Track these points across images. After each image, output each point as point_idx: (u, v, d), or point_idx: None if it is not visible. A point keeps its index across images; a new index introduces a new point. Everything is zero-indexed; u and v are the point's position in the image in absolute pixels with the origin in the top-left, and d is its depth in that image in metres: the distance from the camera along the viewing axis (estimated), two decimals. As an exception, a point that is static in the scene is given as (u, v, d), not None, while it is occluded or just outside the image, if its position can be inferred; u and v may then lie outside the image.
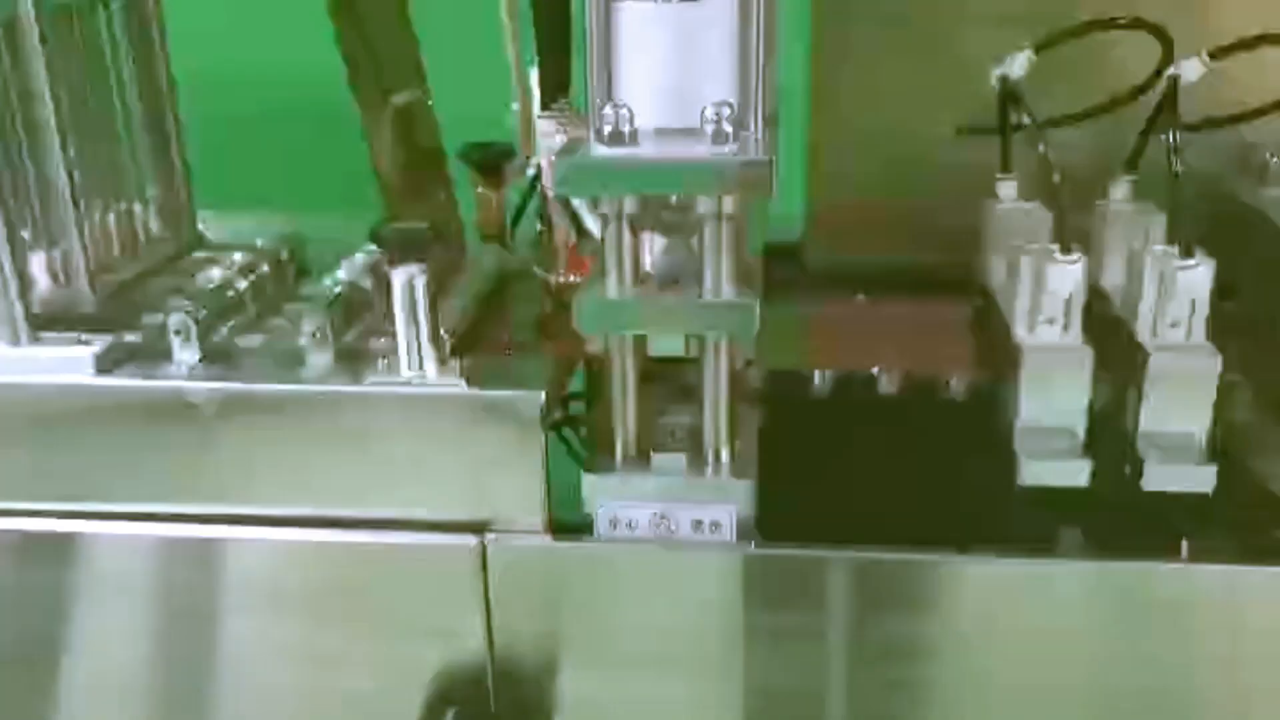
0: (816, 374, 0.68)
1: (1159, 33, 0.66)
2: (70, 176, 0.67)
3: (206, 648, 0.69)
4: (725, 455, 0.63)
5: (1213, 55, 0.62)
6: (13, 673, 0.70)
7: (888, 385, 0.69)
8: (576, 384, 0.73)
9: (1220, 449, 0.61)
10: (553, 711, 0.67)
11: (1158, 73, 0.66)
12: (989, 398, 0.66)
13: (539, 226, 0.86)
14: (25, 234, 0.68)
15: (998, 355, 0.65)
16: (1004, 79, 0.67)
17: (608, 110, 0.59)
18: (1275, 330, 0.67)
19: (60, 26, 0.68)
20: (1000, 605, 0.62)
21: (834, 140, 0.79)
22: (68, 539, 0.67)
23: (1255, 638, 0.61)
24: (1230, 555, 0.61)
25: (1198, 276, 0.59)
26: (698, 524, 0.63)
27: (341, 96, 0.71)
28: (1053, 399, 0.62)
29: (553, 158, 0.64)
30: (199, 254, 0.80)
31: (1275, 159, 0.73)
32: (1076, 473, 0.61)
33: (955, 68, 0.75)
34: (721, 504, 0.63)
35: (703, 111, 0.58)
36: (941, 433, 0.66)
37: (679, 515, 0.63)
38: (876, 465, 0.67)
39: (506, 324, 0.74)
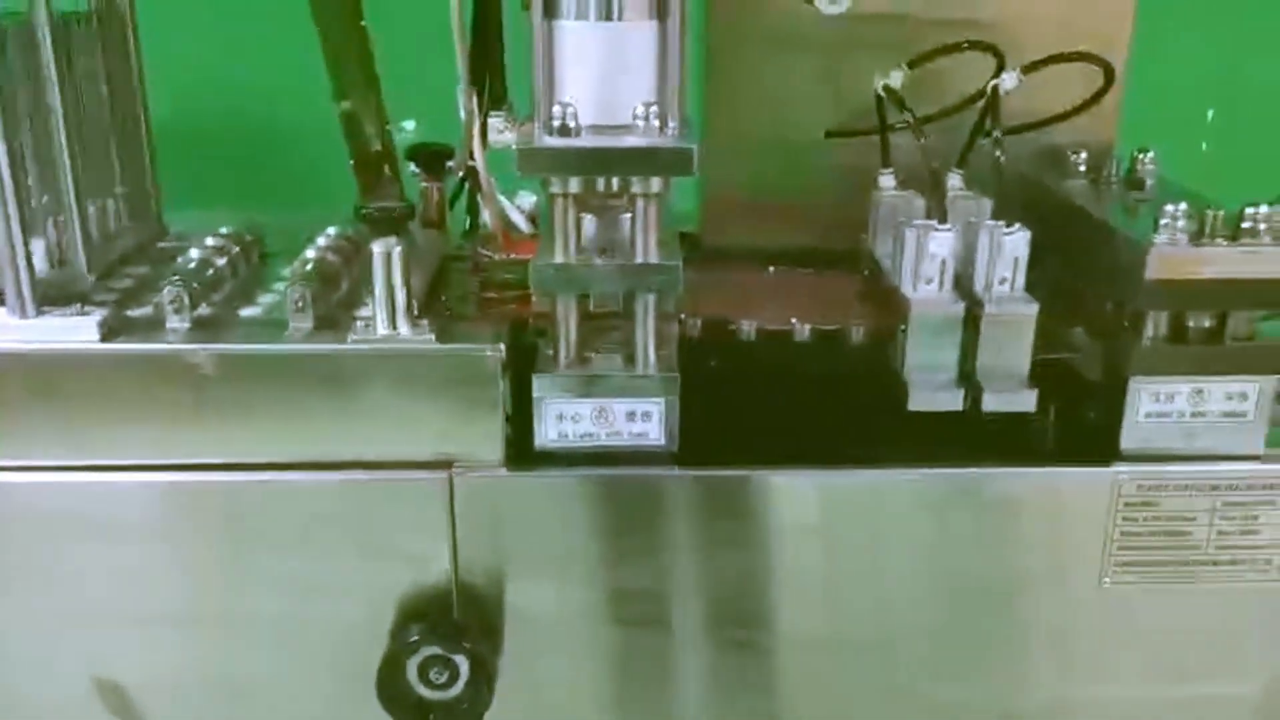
0: (743, 325, 0.81)
1: (993, 50, 0.82)
2: (74, 168, 0.76)
3: (204, 580, 0.78)
4: (653, 358, 0.76)
5: (1025, 70, 0.79)
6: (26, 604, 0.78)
7: (800, 336, 0.83)
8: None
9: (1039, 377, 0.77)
10: (508, 620, 0.79)
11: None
12: (882, 345, 0.81)
13: (467, 219, 0.98)
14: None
15: (889, 310, 0.80)
16: (886, 88, 0.82)
17: (556, 108, 0.72)
18: (1074, 289, 0.84)
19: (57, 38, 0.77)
20: (863, 510, 0.77)
21: (726, 144, 0.93)
22: (76, 488, 0.75)
23: (1068, 527, 0.78)
24: (1046, 460, 0.78)
25: (1018, 240, 0.76)
26: (631, 414, 0.76)
27: (282, 109, 0.82)
28: (934, 342, 0.77)
29: (513, 149, 0.76)
30: (166, 243, 0.90)
31: (1075, 156, 0.90)
32: (954, 400, 0.76)
33: (828, 82, 0.91)
34: (652, 397, 0.76)
35: (634, 110, 0.72)
36: (843, 372, 0.80)
37: (615, 408, 0.76)
38: (791, 397, 0.81)
39: (451, 295, 0.85)
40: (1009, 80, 0.79)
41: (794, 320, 0.81)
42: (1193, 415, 0.77)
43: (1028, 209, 0.90)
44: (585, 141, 0.71)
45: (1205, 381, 0.76)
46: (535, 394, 0.76)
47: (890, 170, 0.87)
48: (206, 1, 1.18)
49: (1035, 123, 0.87)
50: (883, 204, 0.86)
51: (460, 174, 0.93)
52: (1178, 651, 0.81)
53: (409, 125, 0.99)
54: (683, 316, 0.81)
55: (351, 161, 0.80)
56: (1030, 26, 0.88)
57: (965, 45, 0.81)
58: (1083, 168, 0.91)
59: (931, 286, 0.77)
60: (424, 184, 0.91)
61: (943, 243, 0.76)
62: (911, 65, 0.81)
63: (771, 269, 0.92)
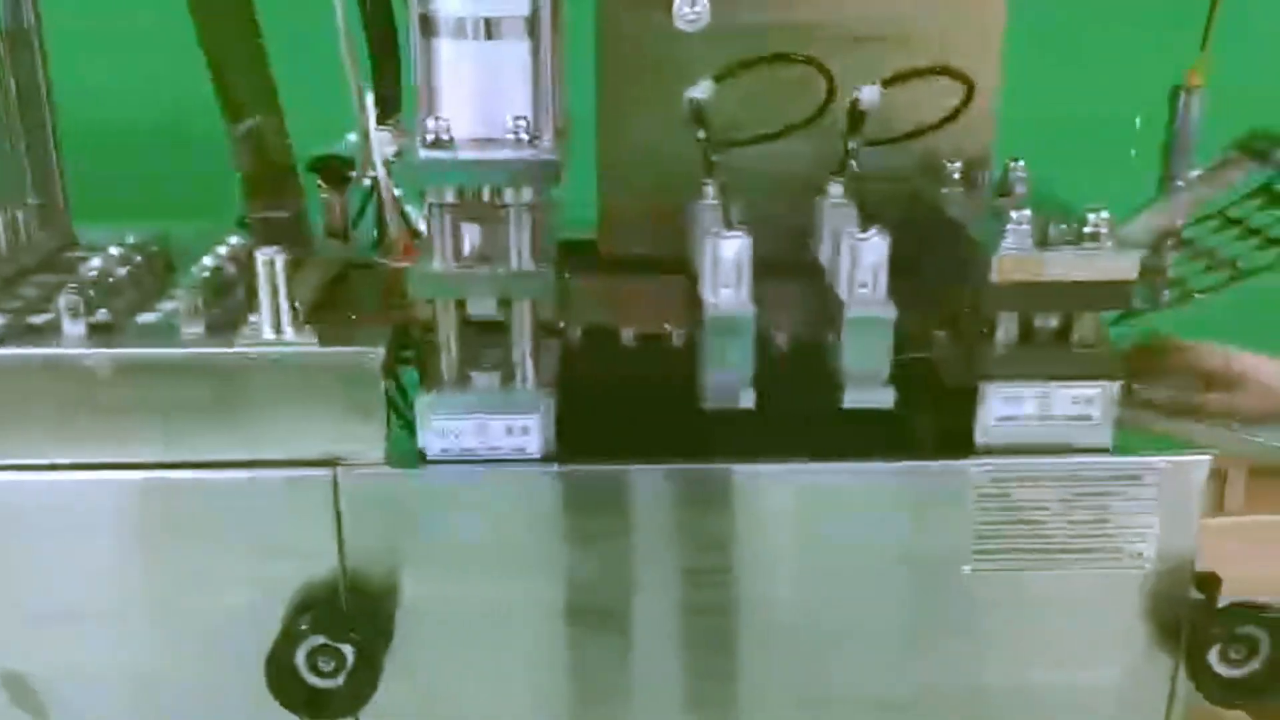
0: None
1: (823, 69, 0.86)
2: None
3: (100, 576, 0.81)
4: (531, 374, 0.80)
5: (885, 83, 0.83)
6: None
7: (676, 341, 0.86)
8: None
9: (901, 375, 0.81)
10: (394, 610, 0.82)
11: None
12: (821, 344, 0.84)
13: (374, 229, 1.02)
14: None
15: (827, 311, 0.84)
16: (692, 101, 0.85)
17: (429, 122, 0.76)
18: (946, 292, 0.88)
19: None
20: (731, 504, 0.81)
21: (621, 155, 0.97)
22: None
23: (929, 518, 0.82)
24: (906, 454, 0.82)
25: (874, 246, 0.79)
26: (509, 429, 0.80)
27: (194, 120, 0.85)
28: (730, 343, 0.80)
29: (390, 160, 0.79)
30: (75, 253, 0.93)
31: (949, 163, 0.95)
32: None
33: (721, 92, 0.94)
34: (528, 414, 0.80)
35: (503, 124, 0.76)
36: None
37: (493, 424, 0.80)
38: (664, 399, 0.84)
39: (349, 301, 0.88)
40: (869, 94, 0.82)
41: (667, 326, 0.85)
42: (1041, 419, 0.81)
43: (909, 217, 0.94)
44: (453, 154, 0.75)
45: (1052, 387, 0.81)
46: (418, 410, 0.79)
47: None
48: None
49: (899, 136, 0.90)
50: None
51: (368, 181, 0.97)
52: (1041, 638, 0.85)
53: (351, 137, 1.02)
54: (562, 324, 0.85)
55: (242, 174, 0.83)
56: (912, 42, 0.93)
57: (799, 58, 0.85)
58: (957, 176, 0.95)
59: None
60: (325, 195, 0.95)
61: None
62: (718, 79, 0.84)
63: (660, 277, 0.96)
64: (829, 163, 0.89)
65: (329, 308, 0.86)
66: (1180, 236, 0.95)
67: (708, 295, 0.79)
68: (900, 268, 0.93)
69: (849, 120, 0.82)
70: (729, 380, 0.79)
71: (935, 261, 0.93)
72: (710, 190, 0.87)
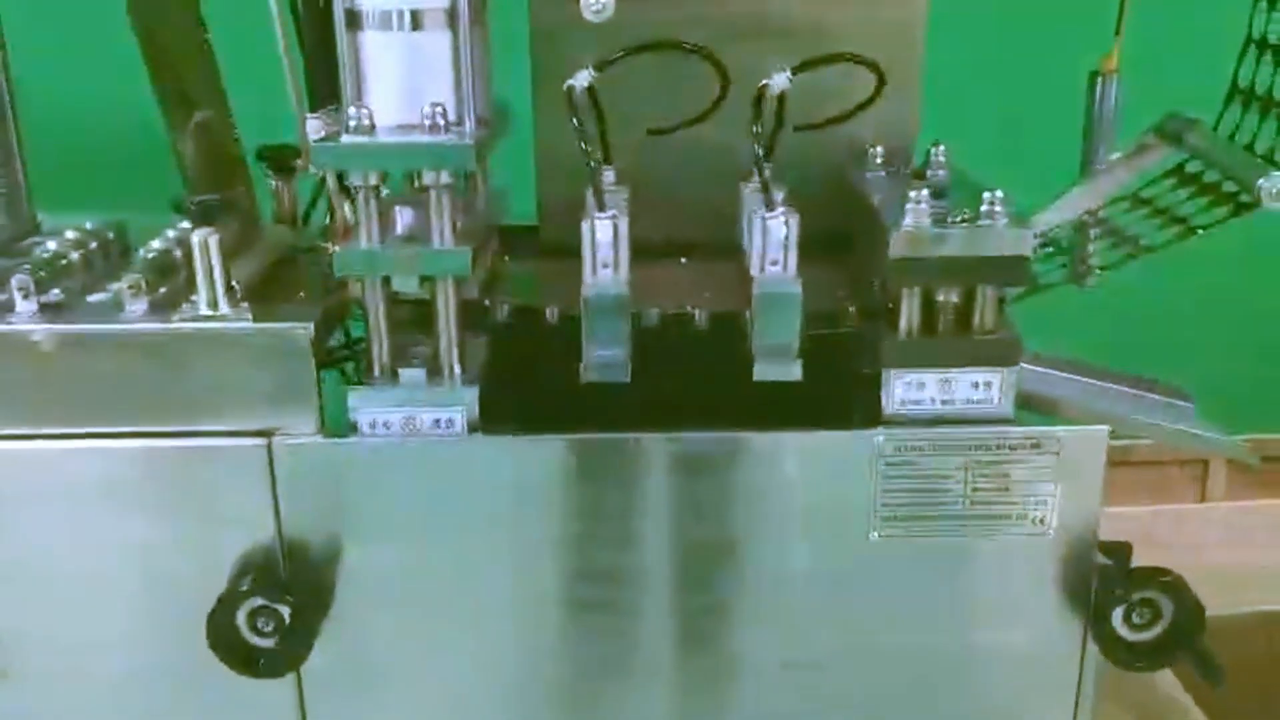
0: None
1: (717, 64, 0.89)
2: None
3: (47, 542, 0.86)
4: (457, 369, 0.84)
5: (795, 71, 0.86)
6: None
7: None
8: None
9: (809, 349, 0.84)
10: (333, 577, 0.86)
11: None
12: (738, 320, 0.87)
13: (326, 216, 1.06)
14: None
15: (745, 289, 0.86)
16: (569, 90, 0.86)
17: (352, 110, 0.80)
18: (865, 274, 0.91)
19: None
20: (648, 471, 0.85)
21: (556, 144, 1.01)
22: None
23: (837, 486, 0.85)
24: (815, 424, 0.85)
25: (780, 224, 0.83)
26: (436, 422, 0.84)
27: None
28: (607, 321, 0.83)
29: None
30: (36, 239, 0.98)
31: (872, 149, 0.98)
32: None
33: (654, 80, 0.96)
34: (453, 406, 0.84)
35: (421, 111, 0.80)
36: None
37: (422, 416, 0.84)
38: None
39: (294, 283, 0.93)
40: (779, 80, 0.86)
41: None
42: (943, 402, 0.85)
43: (836, 201, 0.98)
44: (372, 139, 0.79)
45: (953, 373, 0.84)
46: (349, 405, 0.84)
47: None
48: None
49: (818, 123, 0.94)
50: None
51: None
52: (947, 602, 0.88)
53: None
54: (487, 302, 0.89)
55: (182, 164, 0.88)
56: (835, 34, 0.96)
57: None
58: (880, 161, 0.98)
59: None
60: (272, 182, 1.00)
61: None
62: (599, 68, 0.87)
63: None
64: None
65: (274, 288, 0.91)
66: (1097, 217, 0.97)
67: (587, 276, 0.83)
68: (832, 249, 0.97)
69: (754, 107, 0.86)
70: (608, 356, 0.83)
71: (856, 243, 0.96)
72: (609, 175, 0.91)
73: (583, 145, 0.83)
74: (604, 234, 0.81)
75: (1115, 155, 0.98)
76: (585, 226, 0.82)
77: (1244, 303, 1.85)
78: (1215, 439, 0.92)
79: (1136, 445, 2.14)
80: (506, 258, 1.02)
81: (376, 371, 0.84)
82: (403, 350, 0.86)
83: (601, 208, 0.82)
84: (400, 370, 0.84)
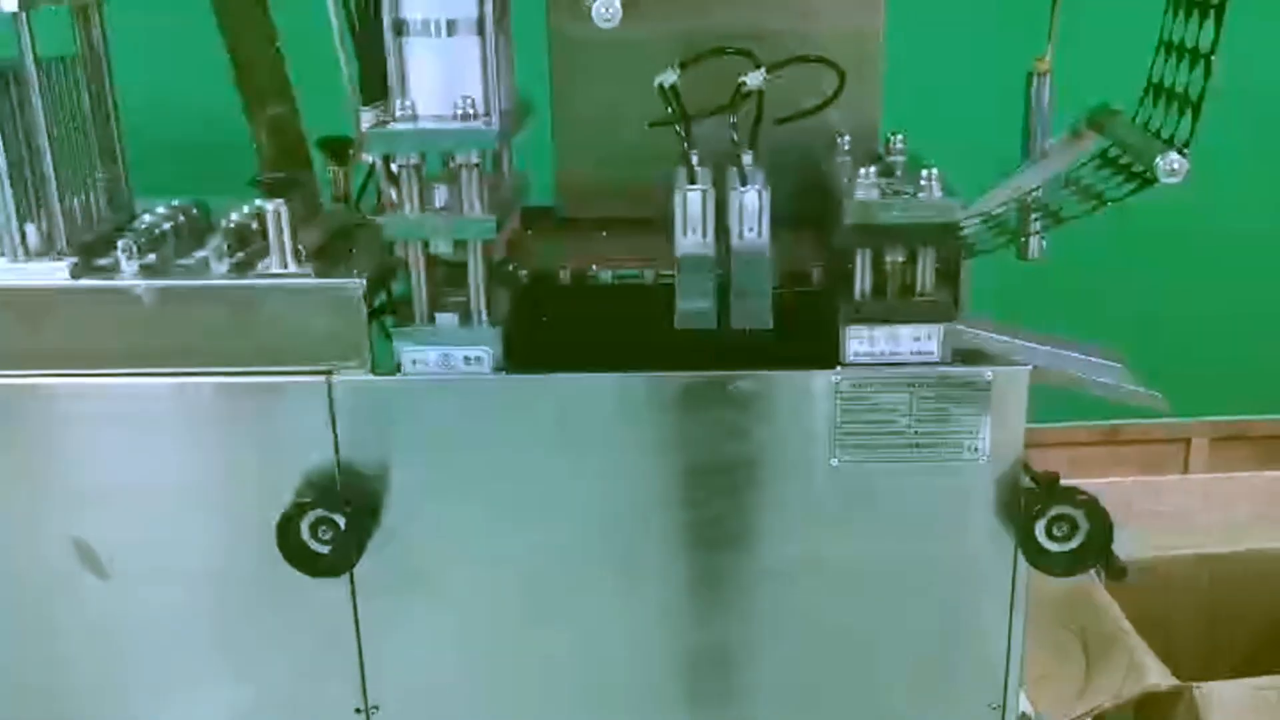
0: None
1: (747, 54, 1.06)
2: (58, 175, 1.02)
3: (144, 465, 1.04)
4: (484, 314, 1.01)
5: (770, 69, 1.03)
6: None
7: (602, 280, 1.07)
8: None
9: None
10: (382, 494, 1.03)
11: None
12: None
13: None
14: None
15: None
16: (661, 85, 1.05)
17: (397, 103, 0.98)
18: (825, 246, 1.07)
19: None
20: (639, 407, 1.01)
21: (574, 132, 1.18)
22: (53, 390, 1.02)
23: (803, 419, 1.01)
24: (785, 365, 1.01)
25: (751, 198, 0.99)
26: (466, 359, 1.01)
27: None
28: (696, 277, 0.99)
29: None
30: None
31: (840, 138, 1.14)
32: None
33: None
34: (481, 345, 1.01)
35: (454, 104, 0.98)
36: (640, 307, 1.02)
37: (455, 354, 1.01)
38: (596, 326, 1.05)
39: (349, 250, 1.10)
40: (755, 78, 1.02)
41: (594, 268, 1.05)
42: (891, 353, 1.00)
43: (812, 183, 1.14)
44: (408, 126, 0.97)
45: (898, 328, 1.00)
46: (395, 346, 1.01)
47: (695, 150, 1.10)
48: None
49: (792, 115, 1.10)
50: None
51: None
52: (894, 517, 1.04)
53: None
54: (512, 266, 1.06)
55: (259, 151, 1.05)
56: (810, 38, 1.12)
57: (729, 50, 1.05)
58: (847, 149, 1.14)
59: (695, 236, 1.00)
60: (332, 168, 1.17)
61: (694, 202, 0.99)
62: (684, 65, 1.04)
63: (604, 233, 1.17)
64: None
65: (333, 255, 1.08)
66: (1035, 198, 1.13)
67: (678, 238, 0.99)
68: (807, 224, 1.13)
69: (732, 100, 1.02)
70: (695, 307, 0.98)
71: (826, 218, 1.12)
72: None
73: (677, 129, 0.99)
74: (694, 204, 0.97)
75: (1051, 142, 1.14)
76: (678, 197, 0.97)
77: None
78: (1129, 389, 1.06)
79: (1125, 425, 2.29)
80: (529, 231, 1.19)
81: (417, 318, 1.01)
82: (438, 300, 1.03)
83: (692, 181, 0.98)
84: (437, 315, 1.01)
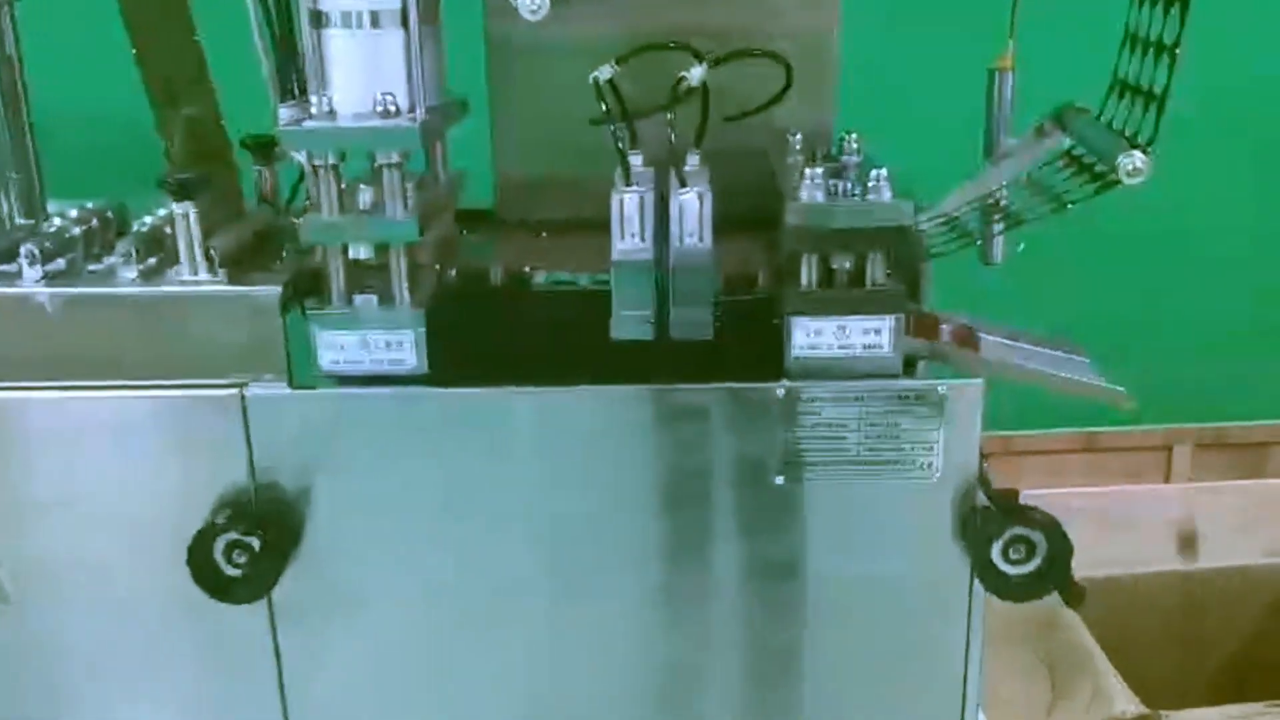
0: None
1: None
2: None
3: (49, 481, 0.98)
4: (406, 297, 0.95)
5: (713, 64, 0.97)
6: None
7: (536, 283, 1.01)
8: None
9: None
10: (301, 514, 0.97)
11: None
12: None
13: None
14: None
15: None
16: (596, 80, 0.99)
17: (314, 99, 0.92)
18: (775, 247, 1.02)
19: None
20: (579, 422, 0.96)
21: (512, 132, 1.12)
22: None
23: (745, 435, 0.96)
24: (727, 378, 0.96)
25: (692, 201, 0.93)
26: (388, 344, 0.95)
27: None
28: (633, 283, 0.93)
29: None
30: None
31: (791, 136, 1.08)
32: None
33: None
34: (404, 329, 0.95)
35: (374, 100, 0.92)
36: (578, 309, 0.97)
37: (375, 339, 0.95)
38: (526, 333, 0.99)
39: (270, 254, 1.04)
40: (696, 73, 0.97)
41: (528, 269, 0.99)
42: (840, 347, 0.95)
43: (761, 184, 1.08)
44: (325, 123, 0.91)
45: (848, 320, 0.94)
46: (310, 327, 0.95)
47: (638, 150, 1.05)
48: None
49: (742, 113, 1.04)
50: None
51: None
52: (841, 537, 0.98)
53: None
54: (438, 266, 1.00)
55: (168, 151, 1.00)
56: (764, 36, 1.06)
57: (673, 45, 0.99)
58: (799, 148, 1.08)
59: (634, 239, 0.94)
60: (256, 168, 1.11)
61: (632, 204, 0.93)
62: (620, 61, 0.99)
63: (543, 234, 1.11)
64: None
65: (254, 259, 1.02)
66: (996, 200, 1.07)
67: (616, 242, 0.94)
68: (756, 227, 1.08)
69: (671, 97, 0.96)
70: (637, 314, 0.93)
71: (776, 219, 1.07)
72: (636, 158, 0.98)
73: (612, 129, 0.93)
74: (630, 206, 0.91)
75: (1012, 141, 1.08)
76: (614, 199, 0.92)
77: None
78: (1093, 384, 1.01)
79: (1103, 432, 2.25)
80: (464, 232, 1.13)
81: (335, 301, 0.95)
82: (358, 282, 0.96)
83: (628, 181, 0.92)
84: (354, 296, 0.95)
